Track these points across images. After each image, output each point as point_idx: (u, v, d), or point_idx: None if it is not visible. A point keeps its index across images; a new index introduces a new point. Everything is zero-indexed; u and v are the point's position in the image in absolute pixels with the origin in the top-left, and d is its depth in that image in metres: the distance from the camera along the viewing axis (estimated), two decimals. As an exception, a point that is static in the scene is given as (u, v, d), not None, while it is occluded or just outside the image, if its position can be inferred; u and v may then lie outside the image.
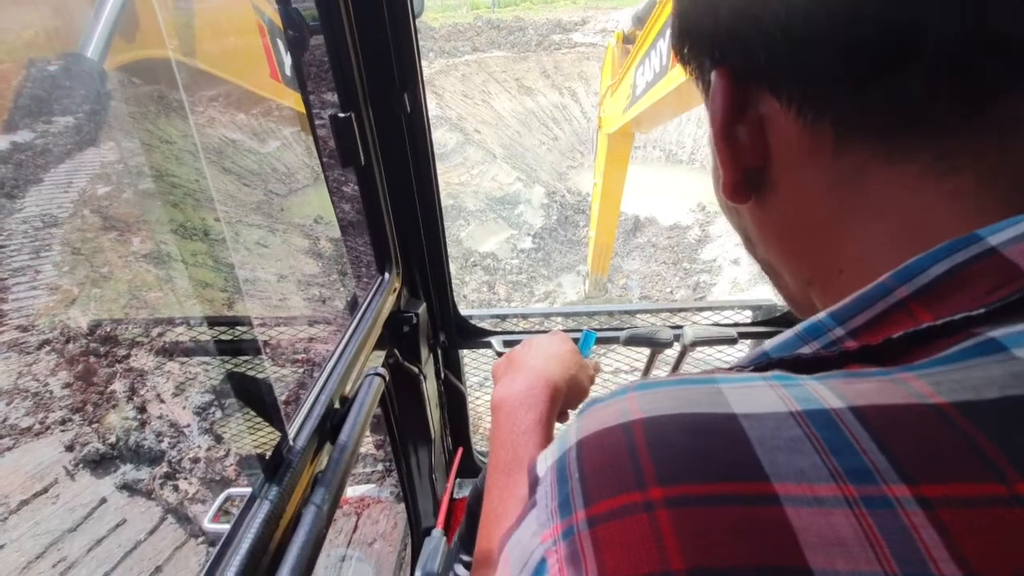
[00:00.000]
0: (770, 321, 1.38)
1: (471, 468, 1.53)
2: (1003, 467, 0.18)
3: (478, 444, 1.63)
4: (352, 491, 2.20)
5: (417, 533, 1.35)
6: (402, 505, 1.38)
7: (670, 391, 0.25)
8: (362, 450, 2.57)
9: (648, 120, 5.56)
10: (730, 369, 0.28)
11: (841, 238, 0.30)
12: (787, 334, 0.28)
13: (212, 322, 0.56)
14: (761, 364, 0.27)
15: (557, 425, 0.62)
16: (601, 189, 7.35)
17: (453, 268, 10.15)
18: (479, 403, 2.40)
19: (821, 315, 0.27)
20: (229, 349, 0.55)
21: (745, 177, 0.32)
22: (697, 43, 0.32)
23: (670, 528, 0.20)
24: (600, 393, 0.29)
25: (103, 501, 3.49)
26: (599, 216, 7.66)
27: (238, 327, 0.53)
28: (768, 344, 0.29)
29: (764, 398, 0.22)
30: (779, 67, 0.28)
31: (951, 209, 0.26)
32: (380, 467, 2.49)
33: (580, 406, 0.29)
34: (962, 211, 0.26)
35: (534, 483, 0.27)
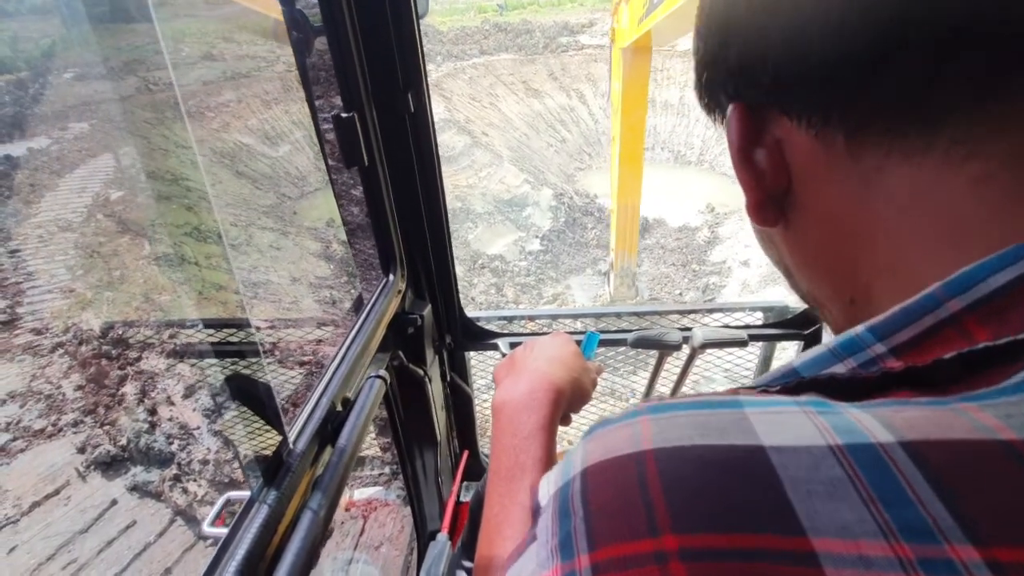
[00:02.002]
0: (782, 323, 1.36)
1: (478, 471, 1.52)
2: None
3: (485, 447, 1.61)
4: (359, 493, 2.20)
5: (423, 537, 1.34)
6: (409, 508, 1.37)
7: (688, 415, 0.22)
8: (369, 452, 2.57)
9: (668, 30, 5.00)
10: (755, 389, 0.25)
11: (873, 246, 0.28)
12: (819, 349, 0.25)
13: (212, 324, 0.56)
14: (790, 384, 0.25)
15: (561, 429, 0.60)
16: (621, 121, 6.16)
17: (461, 270, 10.17)
18: (486, 406, 2.39)
19: (859, 328, 0.24)
20: (230, 351, 0.54)
21: (769, 199, 0.32)
22: (713, 84, 0.34)
23: None
24: (611, 412, 0.26)
25: (113, 503, 3.52)
26: (621, 160, 6.29)
27: (238, 329, 0.52)
28: (797, 360, 0.26)
29: (798, 427, 0.20)
30: (783, 85, 0.29)
31: (979, 195, 0.24)
32: (387, 469, 2.48)
33: (589, 428, 0.26)
34: (992, 197, 0.24)
35: (536, 511, 0.25)
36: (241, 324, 0.52)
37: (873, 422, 0.19)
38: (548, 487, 0.25)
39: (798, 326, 1.33)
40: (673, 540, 0.18)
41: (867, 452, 0.18)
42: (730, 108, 0.32)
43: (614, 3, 6.15)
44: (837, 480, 0.18)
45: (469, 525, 0.74)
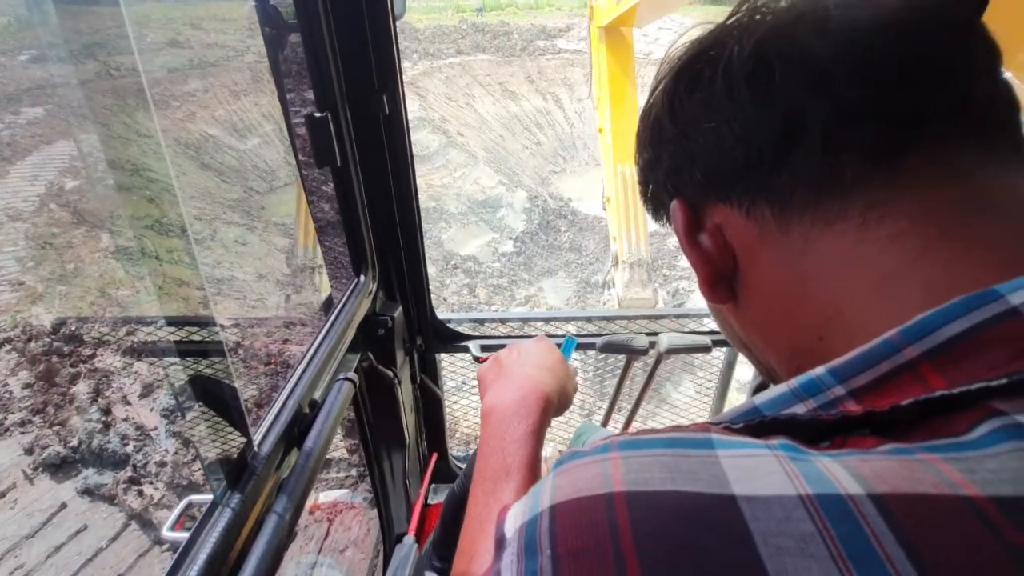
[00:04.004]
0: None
1: (446, 473, 1.52)
2: None
3: (454, 449, 1.61)
4: (324, 496, 2.16)
5: (389, 539, 1.33)
6: (376, 511, 1.36)
7: (660, 455, 0.22)
8: (336, 454, 2.54)
9: (647, 10, 4.86)
10: (723, 426, 0.26)
11: (812, 305, 0.31)
12: (781, 388, 0.26)
13: (176, 323, 0.54)
14: (753, 422, 0.25)
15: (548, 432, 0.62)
16: (610, 101, 5.68)
17: (434, 270, 10.09)
18: (456, 408, 2.38)
19: (820, 370, 0.25)
20: (193, 351, 0.53)
21: (719, 278, 0.36)
22: (655, 187, 0.39)
23: None
24: (581, 447, 0.26)
25: (63, 506, 3.36)
26: (615, 136, 5.72)
27: (202, 328, 0.51)
28: (759, 398, 0.26)
29: (769, 475, 0.20)
30: (713, 177, 0.33)
31: (898, 250, 0.27)
32: (354, 472, 2.45)
33: (558, 458, 0.26)
34: (909, 249, 0.27)
35: (500, 542, 0.25)
36: (205, 322, 0.50)
37: (842, 471, 0.19)
38: (515, 519, 0.24)
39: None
40: None
41: (836, 504, 0.18)
42: (672, 203, 0.37)
43: None
44: (808, 535, 0.18)
45: (441, 525, 0.75)
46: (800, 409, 0.25)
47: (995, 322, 0.21)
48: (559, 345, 0.76)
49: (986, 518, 0.17)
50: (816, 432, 0.23)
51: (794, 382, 0.25)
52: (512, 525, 0.24)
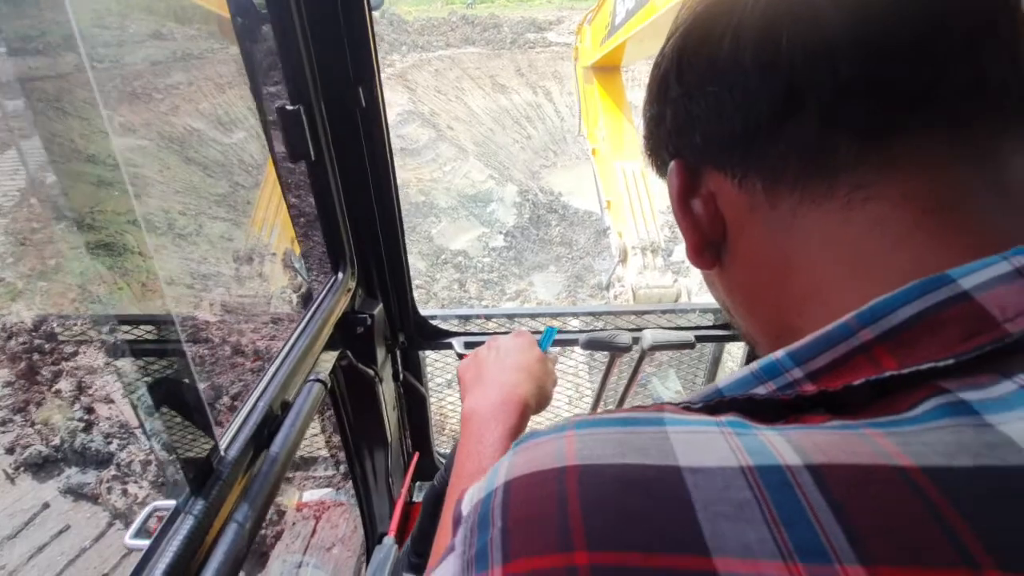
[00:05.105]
0: (730, 324, 1.40)
1: (431, 471, 1.50)
2: (975, 552, 0.16)
3: (439, 446, 1.60)
4: (310, 495, 2.14)
5: (372, 539, 1.31)
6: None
7: (613, 433, 0.23)
8: (321, 452, 2.51)
9: (632, 52, 4.94)
10: (681, 406, 0.26)
11: (793, 282, 0.31)
12: (743, 371, 0.27)
13: (128, 321, 0.52)
14: (712, 402, 0.26)
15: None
16: (602, 132, 5.43)
17: (424, 265, 10.05)
18: (444, 404, 2.37)
19: (779, 353, 0.26)
20: (151, 349, 0.51)
21: (707, 244, 0.36)
22: (657, 145, 0.38)
23: None
24: (539, 425, 0.27)
25: (45, 506, 3.31)
26: (613, 147, 5.45)
27: (160, 326, 0.49)
28: (722, 381, 0.28)
29: (714, 448, 0.21)
30: (710, 142, 0.33)
31: (880, 233, 0.27)
32: (341, 469, 2.43)
33: (517, 439, 0.27)
34: (890, 234, 0.27)
35: (457, 520, 0.25)
36: (164, 321, 0.48)
37: (784, 444, 0.20)
38: (472, 497, 0.25)
39: (744, 328, 1.38)
40: (584, 556, 0.19)
41: (775, 474, 0.19)
42: (671, 164, 0.36)
43: (578, 24, 6.01)
44: (744, 502, 0.19)
45: (422, 520, 0.74)
46: (760, 391, 0.25)
47: (946, 306, 0.22)
48: (540, 334, 0.76)
49: (915, 485, 0.18)
50: (773, 411, 0.24)
51: (755, 366, 0.27)
52: (469, 502, 0.25)
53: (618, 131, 5.73)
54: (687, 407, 0.26)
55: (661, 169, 0.39)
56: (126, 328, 0.50)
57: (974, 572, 0.16)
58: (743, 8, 0.30)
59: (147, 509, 0.62)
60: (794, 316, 0.31)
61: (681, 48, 0.34)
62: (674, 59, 0.35)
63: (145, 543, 0.52)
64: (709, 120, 0.32)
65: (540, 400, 0.65)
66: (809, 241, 0.30)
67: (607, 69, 5.73)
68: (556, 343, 1.33)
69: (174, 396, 0.53)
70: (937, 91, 0.26)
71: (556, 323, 1.55)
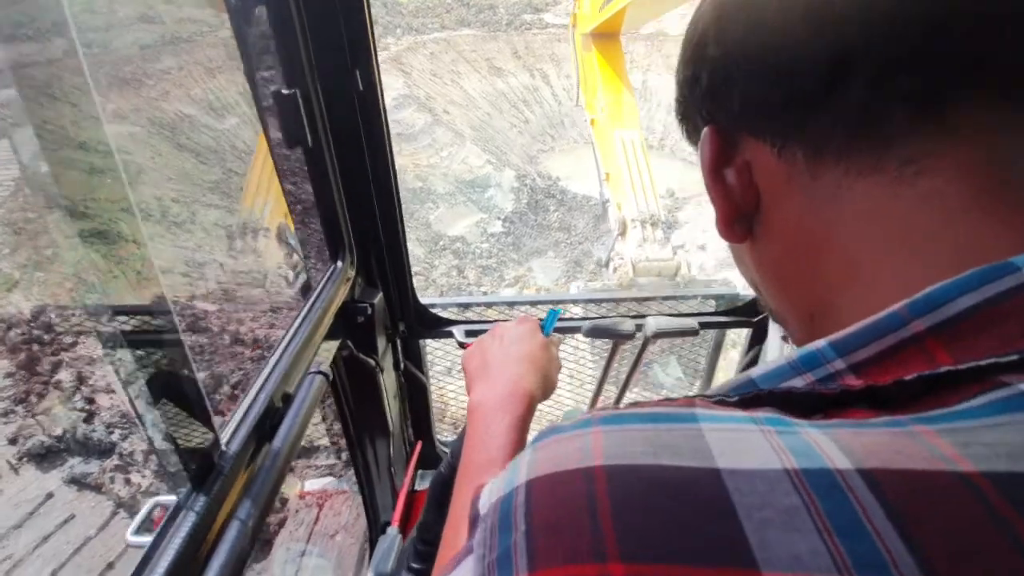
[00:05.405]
0: (732, 311, 1.39)
1: (434, 459, 1.50)
2: None
3: (443, 434, 1.60)
4: (312, 484, 2.15)
5: (375, 528, 1.32)
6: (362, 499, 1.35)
7: (643, 430, 0.21)
8: (323, 441, 2.52)
9: (633, 18, 4.79)
10: (713, 399, 0.25)
11: (831, 259, 0.29)
12: (779, 361, 0.25)
13: (122, 312, 0.50)
14: (747, 396, 0.24)
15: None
16: (601, 103, 5.22)
17: (422, 252, 10.01)
18: (446, 392, 2.37)
19: (820, 343, 0.24)
20: (146, 342, 0.50)
21: (739, 216, 0.34)
22: (689, 108, 0.36)
23: None
24: (561, 421, 0.25)
25: (50, 496, 3.33)
26: (611, 115, 5.23)
27: (156, 316, 0.48)
28: (756, 371, 0.26)
29: (755, 448, 0.19)
30: (749, 110, 0.31)
31: (930, 210, 0.25)
32: (344, 457, 2.44)
33: (536, 433, 0.25)
34: (941, 211, 0.25)
35: (474, 519, 0.24)
36: (161, 311, 0.47)
37: (831, 445, 0.19)
38: (490, 495, 0.23)
39: (747, 314, 1.37)
40: (620, 568, 0.17)
41: (824, 478, 0.18)
42: (704, 130, 0.34)
43: None
44: (792, 509, 0.17)
45: (426, 508, 0.74)
46: (798, 383, 0.24)
47: (1008, 296, 0.20)
48: (542, 320, 0.75)
49: (980, 494, 0.16)
50: (813, 406, 0.23)
51: (793, 356, 0.25)
52: (487, 500, 0.23)
53: (617, 100, 5.63)
54: (721, 401, 0.25)
55: (693, 135, 0.37)
56: (122, 319, 0.48)
57: None
58: None
59: (148, 505, 0.61)
60: (831, 293, 0.29)
61: (722, 4, 0.32)
62: (714, 16, 0.32)
63: (147, 540, 0.51)
64: (749, 84, 0.30)
65: (546, 389, 0.65)
66: (853, 215, 0.28)
67: (606, 36, 5.60)
68: (559, 330, 1.32)
69: (173, 390, 0.52)
70: (997, 62, 0.25)
71: (558, 306, 1.54)
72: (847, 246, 0.28)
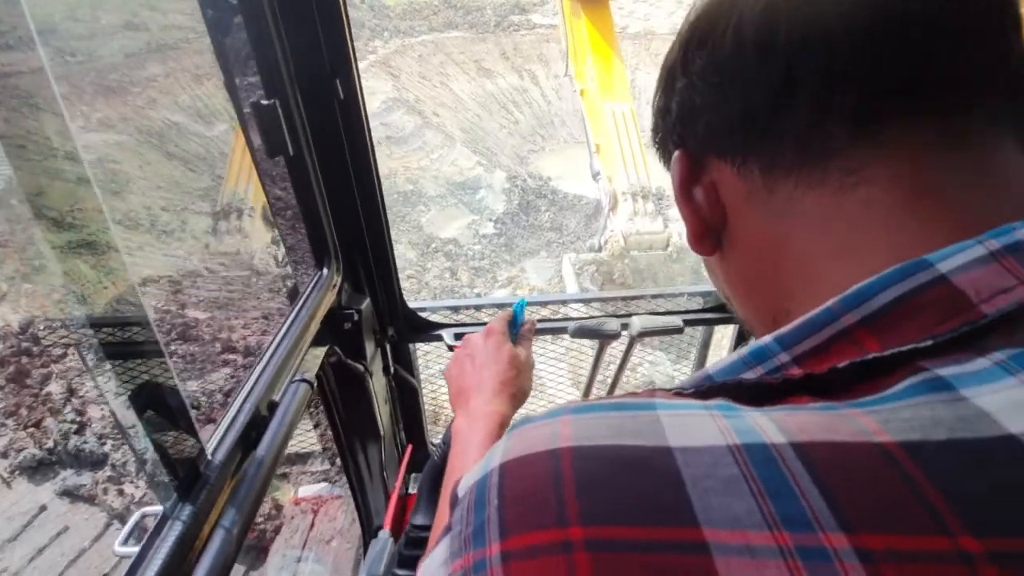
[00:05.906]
0: (717, 307, 1.41)
1: (425, 462, 1.51)
2: (948, 520, 0.17)
3: (434, 437, 1.60)
4: (306, 490, 2.15)
5: (368, 532, 1.32)
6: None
7: (606, 417, 0.23)
8: (316, 447, 2.51)
9: None
10: (672, 392, 0.27)
11: (787, 267, 0.32)
12: (732, 357, 0.28)
13: (101, 324, 0.51)
14: (703, 388, 0.27)
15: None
16: (590, 62, 4.92)
17: (414, 255, 9.99)
18: (438, 394, 2.37)
19: (767, 339, 0.27)
20: (130, 352, 0.51)
21: (708, 232, 0.37)
22: (663, 134, 0.40)
23: (587, 574, 0.18)
24: (534, 412, 0.28)
25: (43, 509, 3.31)
26: (601, 87, 4.93)
27: (135, 328, 0.48)
28: (712, 367, 0.28)
29: (703, 430, 0.21)
30: (712, 131, 0.34)
31: (869, 217, 0.28)
32: (337, 463, 2.44)
33: (511, 423, 0.29)
34: (878, 217, 0.28)
35: (453, 503, 0.26)
36: (139, 322, 0.48)
37: (769, 424, 0.21)
38: (468, 480, 0.25)
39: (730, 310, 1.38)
40: (579, 531, 0.19)
41: (761, 451, 0.20)
42: (675, 153, 0.37)
43: None
44: (732, 477, 0.19)
45: (418, 498, 0.75)
46: (749, 375, 0.26)
47: (924, 289, 0.23)
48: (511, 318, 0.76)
49: (892, 458, 0.19)
50: (760, 395, 0.25)
51: (744, 351, 0.27)
52: (465, 485, 0.25)
53: (607, 69, 5.57)
54: (678, 393, 0.27)
55: (667, 159, 0.40)
56: (102, 332, 0.49)
57: (948, 539, 0.17)
58: (743, 7, 0.31)
59: (135, 515, 0.62)
60: (788, 298, 0.32)
61: (687, 40, 0.35)
62: (680, 51, 0.36)
63: (135, 550, 0.52)
64: (712, 108, 0.33)
65: (517, 400, 0.70)
66: (804, 225, 0.30)
67: (595, 0, 5.54)
68: (546, 331, 1.33)
69: (157, 401, 0.52)
70: (926, 81, 0.27)
71: (546, 312, 1.55)
72: (801, 254, 0.31)
